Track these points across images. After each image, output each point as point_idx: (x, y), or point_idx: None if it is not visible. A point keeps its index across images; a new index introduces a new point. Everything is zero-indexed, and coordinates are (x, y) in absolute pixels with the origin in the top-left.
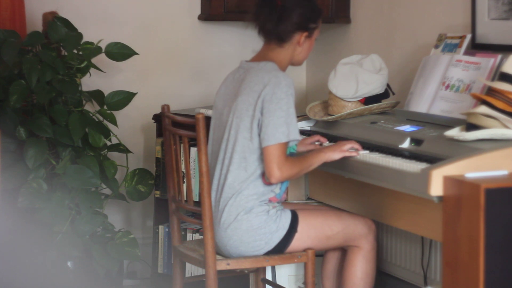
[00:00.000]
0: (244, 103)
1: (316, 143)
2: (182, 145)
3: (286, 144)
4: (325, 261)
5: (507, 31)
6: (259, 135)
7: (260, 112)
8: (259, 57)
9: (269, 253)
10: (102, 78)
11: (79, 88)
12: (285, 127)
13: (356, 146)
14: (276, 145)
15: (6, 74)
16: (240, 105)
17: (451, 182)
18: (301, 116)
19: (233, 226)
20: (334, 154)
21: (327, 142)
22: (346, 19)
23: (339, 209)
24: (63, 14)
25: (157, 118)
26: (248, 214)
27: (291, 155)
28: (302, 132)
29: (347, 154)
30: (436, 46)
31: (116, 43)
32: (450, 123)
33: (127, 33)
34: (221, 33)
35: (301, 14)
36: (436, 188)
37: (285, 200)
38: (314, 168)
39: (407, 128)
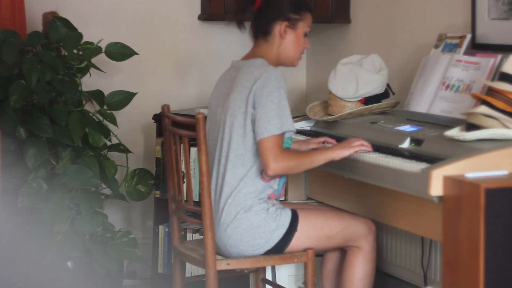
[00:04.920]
0: (236, 100)
1: (323, 143)
2: (182, 145)
3: (280, 136)
4: (325, 261)
5: (507, 31)
6: (253, 130)
7: (252, 107)
8: (249, 55)
9: (269, 252)
10: (102, 78)
11: (79, 88)
12: (278, 120)
13: (366, 143)
14: (270, 137)
15: (6, 74)
16: (232, 102)
17: (451, 182)
18: (301, 116)
19: (233, 225)
20: (344, 151)
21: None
22: (346, 19)
23: (339, 209)
24: (63, 14)
25: (157, 118)
26: (247, 212)
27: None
28: (303, 132)
29: (357, 149)
30: (436, 46)
31: (116, 43)
32: (450, 123)
33: (127, 33)
34: (221, 33)
35: (278, 2)
36: (436, 188)
37: (285, 200)
38: (317, 165)
39: (407, 128)
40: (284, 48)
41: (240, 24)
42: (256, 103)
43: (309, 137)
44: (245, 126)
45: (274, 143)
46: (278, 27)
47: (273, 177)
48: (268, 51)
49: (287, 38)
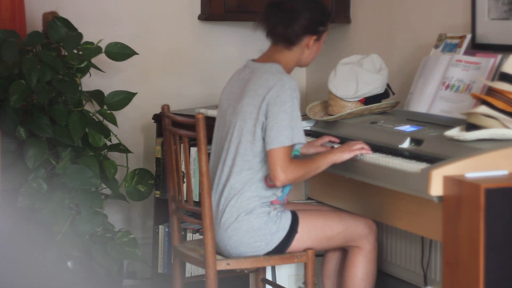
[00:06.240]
0: (249, 105)
1: (327, 144)
2: (182, 145)
3: (290, 147)
4: (325, 261)
5: (507, 31)
6: (263, 138)
7: (264, 115)
8: (266, 57)
9: (269, 253)
10: (102, 78)
11: (79, 88)
12: (289, 130)
13: (366, 147)
14: (280, 148)
15: (6, 74)
16: (244, 107)
17: (451, 182)
18: (301, 116)
19: (234, 227)
20: (344, 154)
21: (337, 145)
22: (346, 19)
23: (340, 210)
24: (63, 14)
25: (157, 118)
26: (249, 215)
27: (295, 157)
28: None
29: (357, 152)
30: (436, 46)
31: (116, 43)
32: (450, 123)
33: (127, 33)
34: (221, 33)
35: (311, 17)
36: (436, 188)
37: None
38: (322, 170)
39: (407, 128)
40: (305, 56)
41: (270, 34)
42: (269, 112)
43: (309, 137)
44: (255, 133)
45: (284, 155)
46: (307, 40)
47: None
48: (288, 57)
49: (312, 49)
